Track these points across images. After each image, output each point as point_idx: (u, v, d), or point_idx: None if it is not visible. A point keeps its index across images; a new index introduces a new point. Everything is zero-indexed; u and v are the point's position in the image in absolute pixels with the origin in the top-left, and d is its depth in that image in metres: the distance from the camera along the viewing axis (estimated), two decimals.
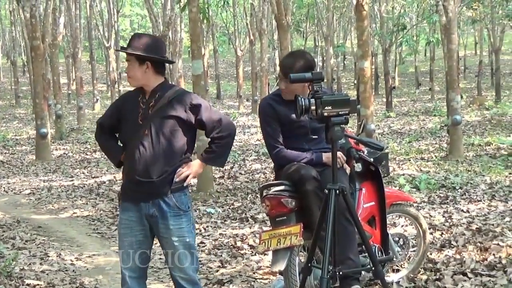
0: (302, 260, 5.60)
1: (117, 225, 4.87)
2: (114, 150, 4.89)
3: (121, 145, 4.89)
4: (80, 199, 12.26)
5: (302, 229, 5.29)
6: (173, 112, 4.63)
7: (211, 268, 7.37)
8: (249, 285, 6.63)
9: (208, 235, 8.90)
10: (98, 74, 40.30)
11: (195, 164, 4.78)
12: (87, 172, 15.81)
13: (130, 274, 4.75)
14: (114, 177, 14.22)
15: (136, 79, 4.68)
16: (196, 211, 10.29)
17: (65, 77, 42.62)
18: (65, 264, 7.90)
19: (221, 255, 7.87)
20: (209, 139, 4.84)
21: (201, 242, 8.53)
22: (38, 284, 6.97)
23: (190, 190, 11.48)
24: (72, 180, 14.68)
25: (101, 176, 14.81)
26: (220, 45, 44.49)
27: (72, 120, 30.10)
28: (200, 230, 9.16)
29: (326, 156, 5.47)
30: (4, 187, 14.37)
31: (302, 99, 4.76)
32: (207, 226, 9.39)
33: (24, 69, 53.07)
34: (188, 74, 33.35)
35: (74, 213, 11.17)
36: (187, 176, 4.70)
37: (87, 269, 7.75)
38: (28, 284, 6.95)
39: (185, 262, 4.70)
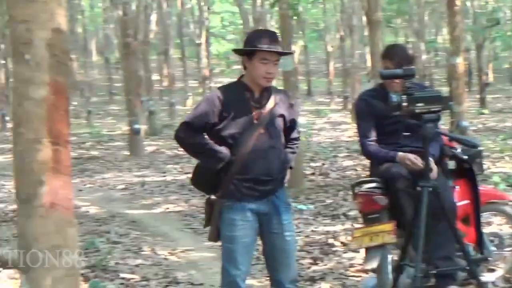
0: (395, 258, 5.49)
1: (222, 226, 4.64)
2: (220, 151, 4.58)
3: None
4: (173, 195, 12.39)
5: (395, 227, 5.19)
6: (281, 111, 4.65)
7: (302, 265, 7.30)
8: (341, 283, 6.54)
9: (300, 232, 8.83)
10: (190, 71, 40.70)
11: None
12: (180, 168, 15.97)
13: (243, 277, 4.67)
14: None
15: (273, 78, 4.66)
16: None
17: (157, 74, 43.33)
18: (158, 259, 7.98)
19: (313, 252, 7.80)
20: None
21: None
22: (132, 278, 7.06)
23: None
24: (164, 176, 14.86)
25: None
26: (310, 42, 44.31)
27: (164, 116, 30.52)
28: None
29: (400, 156, 5.33)
30: (99, 182, 14.68)
31: (394, 96, 4.69)
32: (299, 223, 9.32)
33: (117, 66, 54.17)
34: (279, 70, 33.39)
35: (167, 208, 11.29)
36: None
37: (180, 264, 7.80)
38: (123, 278, 7.04)
39: (292, 258, 4.73)
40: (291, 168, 4.97)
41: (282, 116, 4.65)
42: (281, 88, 4.96)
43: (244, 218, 4.58)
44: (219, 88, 4.88)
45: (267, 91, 4.65)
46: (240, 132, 4.57)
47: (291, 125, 4.79)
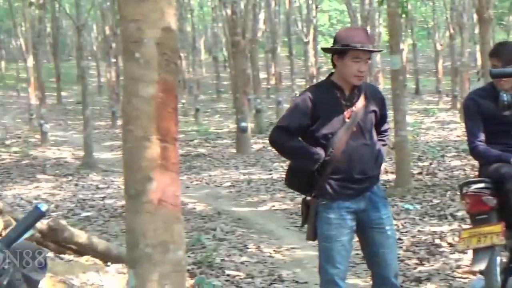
0: (504, 260, 5.33)
1: (319, 226, 4.66)
2: (315, 152, 4.59)
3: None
4: (279, 193, 12.42)
5: (504, 228, 5.03)
6: (372, 107, 4.62)
7: (408, 265, 7.20)
8: (447, 284, 6.41)
9: (406, 232, 8.71)
10: (297, 69, 40.73)
11: None
12: (286, 166, 15.94)
13: (341, 276, 4.63)
14: None
15: (365, 77, 4.64)
16: (393, 207, 10.09)
17: (265, 72, 43.55)
18: (263, 256, 8.01)
19: (419, 253, 7.67)
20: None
21: (399, 239, 8.35)
22: (237, 275, 7.11)
23: (387, 186, 11.37)
24: (270, 174, 14.92)
25: None
26: (419, 40, 43.61)
27: (271, 114, 30.65)
28: (398, 226, 8.98)
29: None
30: (205, 179, 14.88)
31: (504, 95, 4.55)
32: (405, 223, 9.19)
33: (225, 64, 54.75)
34: (387, 69, 32.96)
35: (272, 206, 11.33)
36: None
37: (285, 262, 7.81)
38: (228, 275, 7.11)
39: (393, 253, 4.67)
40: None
41: (373, 112, 4.63)
42: (370, 83, 4.91)
43: (340, 217, 4.57)
44: (309, 88, 4.90)
45: (358, 89, 4.61)
46: (333, 132, 4.54)
47: (382, 119, 4.77)
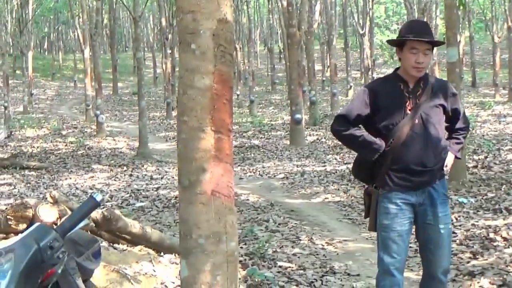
0: None
1: (378, 216, 4.65)
2: (374, 142, 4.59)
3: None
4: (332, 185, 12.38)
5: None
6: (439, 101, 4.54)
7: (461, 259, 7.11)
8: (501, 279, 6.29)
9: (460, 225, 8.59)
10: (352, 61, 40.53)
11: (451, 155, 4.69)
12: (339, 158, 15.94)
13: (397, 266, 4.61)
14: None
15: (425, 68, 4.57)
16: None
17: (320, 64, 43.42)
18: (316, 248, 7.99)
19: (473, 246, 7.56)
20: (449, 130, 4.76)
21: (453, 232, 8.24)
22: (289, 267, 7.10)
23: None
24: (324, 166, 14.88)
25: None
26: (476, 32, 42.96)
27: (326, 106, 30.57)
28: (452, 220, 8.87)
29: None
30: (259, 171, 14.90)
31: None
32: (459, 216, 9.07)
33: (280, 56, 54.72)
34: (443, 61, 32.47)
35: (325, 198, 11.30)
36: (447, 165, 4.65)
37: (337, 254, 7.78)
38: (280, 266, 7.10)
39: (446, 250, 4.60)
40: (458, 158, 4.89)
41: (440, 106, 4.54)
42: (441, 78, 4.83)
43: (398, 207, 4.56)
44: (374, 80, 4.97)
45: (424, 82, 4.57)
46: (394, 123, 4.53)
47: (453, 115, 4.68)
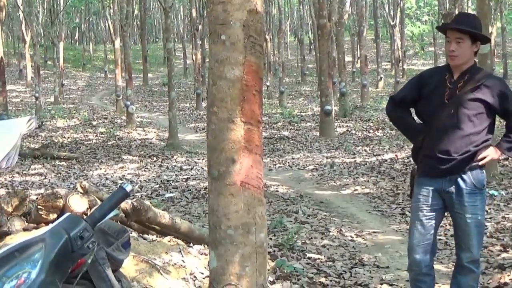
0: None
1: (411, 200, 4.87)
2: (416, 128, 4.85)
3: (420, 122, 4.86)
4: (362, 177, 12.33)
5: None
6: (481, 96, 4.54)
7: (492, 251, 7.05)
8: None
9: (490, 218, 8.52)
10: (383, 52, 40.32)
11: (493, 150, 4.67)
12: (369, 150, 15.88)
13: (420, 248, 4.77)
14: (396, 155, 14.15)
15: (463, 58, 4.57)
16: None
17: (350, 55, 43.23)
18: (345, 240, 7.96)
19: (503, 239, 7.50)
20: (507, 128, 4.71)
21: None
22: (318, 258, 7.08)
23: None
24: (354, 157, 14.82)
25: (383, 154, 14.79)
26: (508, 23, 42.44)
27: (356, 98, 30.43)
28: None
29: None
30: (288, 162, 14.89)
31: None
32: (489, 209, 8.99)
33: (311, 47, 54.63)
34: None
35: (355, 190, 11.26)
36: (484, 158, 4.61)
37: (367, 246, 7.75)
38: (309, 258, 7.09)
39: (473, 239, 4.63)
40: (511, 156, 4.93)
41: (482, 101, 4.52)
42: (492, 74, 4.83)
43: (423, 192, 4.70)
44: (430, 68, 5.07)
45: (469, 74, 4.59)
46: (432, 110, 4.63)
47: (503, 114, 4.64)
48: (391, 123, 5.33)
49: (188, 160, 16.07)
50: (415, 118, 4.94)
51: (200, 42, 32.75)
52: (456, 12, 22.86)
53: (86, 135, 21.31)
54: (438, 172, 4.62)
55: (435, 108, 4.61)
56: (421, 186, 4.74)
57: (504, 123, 4.72)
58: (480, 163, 4.59)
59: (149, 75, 46.04)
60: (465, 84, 4.55)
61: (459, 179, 4.57)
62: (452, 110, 4.53)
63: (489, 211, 8.86)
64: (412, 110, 4.91)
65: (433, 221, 4.72)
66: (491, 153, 4.62)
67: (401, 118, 4.93)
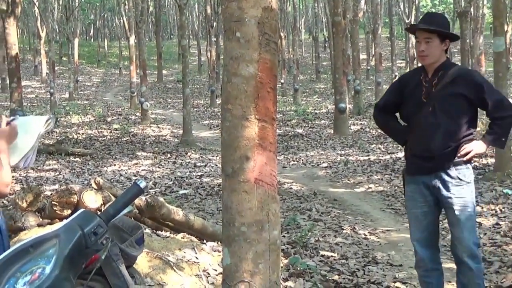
0: None
1: (405, 199, 4.98)
2: (400, 130, 4.95)
3: (404, 124, 4.92)
4: (376, 174, 12.31)
5: None
6: (457, 90, 4.58)
7: (505, 250, 7.01)
8: None
9: (504, 217, 8.48)
10: (397, 50, 40.21)
11: (477, 143, 4.66)
12: (383, 148, 15.84)
13: (420, 244, 4.85)
14: None
15: (433, 57, 4.64)
16: (492, 192, 9.88)
17: (364, 53, 43.16)
18: (358, 238, 7.95)
19: None
20: (490, 120, 4.74)
21: (496, 224, 8.17)
22: (332, 256, 7.08)
23: (487, 170, 11.04)
24: (368, 155, 14.80)
25: (397, 152, 14.75)
26: None
27: (370, 96, 30.39)
28: (496, 211, 8.77)
29: None
30: (302, 160, 14.88)
31: None
32: (503, 208, 8.95)
33: (325, 44, 54.55)
34: (489, 51, 32.00)
35: (369, 187, 11.24)
36: (468, 153, 4.60)
37: (380, 244, 7.73)
38: (322, 255, 7.08)
39: (465, 232, 4.65)
40: (500, 147, 4.99)
41: (459, 95, 4.56)
42: (465, 67, 4.89)
43: (414, 190, 4.80)
44: (406, 72, 5.10)
45: (443, 71, 4.64)
46: (412, 111, 4.72)
47: (481, 105, 4.64)
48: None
49: (202, 157, 16.09)
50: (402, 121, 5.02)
51: (215, 39, 32.78)
52: (472, 10, 22.80)
53: (101, 131, 21.38)
54: (422, 170, 4.71)
55: (415, 108, 4.69)
56: (410, 184, 4.84)
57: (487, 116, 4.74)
58: (464, 158, 4.60)
59: (164, 71, 46.14)
60: (440, 80, 4.63)
61: (444, 174, 4.63)
62: (430, 108, 4.61)
63: (503, 210, 8.83)
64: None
65: (429, 217, 4.80)
66: (475, 148, 4.62)
67: (385, 122, 5.06)
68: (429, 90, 4.63)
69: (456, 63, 5.39)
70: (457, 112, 4.58)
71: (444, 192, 4.63)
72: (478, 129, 4.80)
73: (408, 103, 4.76)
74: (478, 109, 4.68)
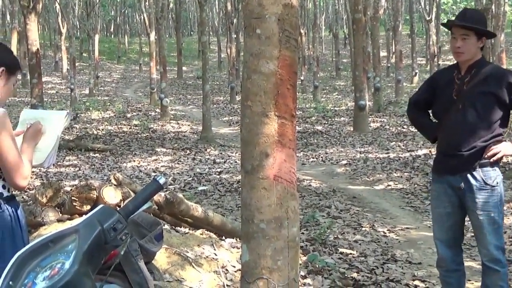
0: None
1: (430, 197, 4.90)
2: (429, 126, 4.94)
3: (435, 121, 4.89)
4: (395, 172, 12.27)
5: None
6: (489, 89, 4.52)
7: None
8: None
9: None
10: (418, 48, 40.03)
11: (506, 145, 4.59)
12: (403, 145, 15.78)
13: (443, 244, 4.82)
14: (430, 151, 14.03)
15: (469, 54, 4.58)
16: (509, 190, 9.80)
17: (385, 50, 42.99)
18: (377, 235, 7.93)
19: None
20: None
21: None
22: (350, 253, 7.07)
23: (507, 169, 10.97)
24: (387, 153, 14.74)
25: (417, 150, 14.69)
26: None
27: (390, 93, 30.27)
28: None
29: None
30: (322, 157, 14.85)
31: None
32: None
33: (345, 41, 54.40)
34: (510, 49, 31.83)
35: (388, 185, 11.21)
36: (496, 154, 4.53)
37: (399, 241, 7.71)
38: (341, 253, 7.07)
39: (488, 237, 4.59)
40: None
41: (491, 94, 4.50)
42: (499, 66, 4.81)
43: (438, 189, 4.75)
44: (439, 69, 5.07)
45: (476, 69, 4.59)
46: (443, 108, 4.68)
47: None
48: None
49: (221, 153, 16.11)
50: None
51: (235, 36, 32.80)
52: (493, 7, 22.61)
53: (120, 127, 21.46)
54: (448, 169, 4.66)
55: (445, 105, 4.65)
56: (436, 182, 4.82)
57: None
58: (491, 159, 4.53)
59: (184, 68, 46.22)
60: (472, 78, 4.57)
61: (469, 175, 4.56)
62: (460, 105, 4.55)
63: None
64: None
65: (453, 218, 4.74)
66: (503, 149, 4.54)
67: (416, 119, 5.05)
68: (461, 88, 4.59)
69: (490, 61, 5.36)
70: (486, 112, 4.52)
71: (468, 194, 4.58)
72: (507, 129, 4.74)
73: (439, 100, 4.73)
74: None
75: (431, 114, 4.97)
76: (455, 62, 4.75)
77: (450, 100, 4.61)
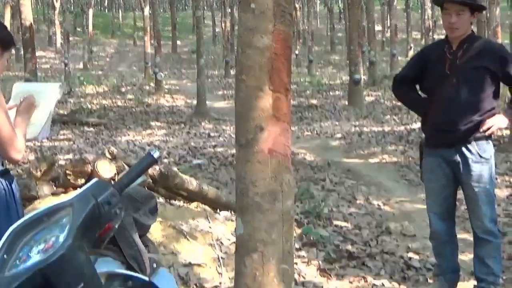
0: None
1: (423, 171, 4.96)
2: (420, 101, 4.95)
3: (424, 95, 4.92)
4: (390, 145, 12.28)
5: None
6: (482, 63, 4.55)
7: None
8: None
9: None
10: (413, 22, 39.91)
11: (499, 118, 4.63)
12: (398, 119, 15.79)
13: (436, 217, 4.87)
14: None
15: (463, 29, 4.59)
16: (506, 163, 9.86)
17: (380, 25, 42.85)
18: (372, 208, 7.97)
19: None
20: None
21: (510, 195, 8.16)
22: (345, 226, 7.10)
23: (502, 141, 10.98)
24: (382, 126, 14.76)
25: (411, 123, 14.70)
26: None
27: (385, 67, 30.22)
28: (510, 182, 8.77)
29: None
30: (316, 130, 14.86)
31: None
32: None
33: (340, 16, 54.22)
34: (506, 23, 31.69)
35: (383, 158, 11.22)
36: (490, 127, 4.57)
37: (393, 214, 7.75)
38: (335, 225, 7.11)
39: (483, 209, 4.66)
40: None
41: (484, 68, 4.52)
42: (491, 40, 4.85)
43: (432, 162, 4.79)
44: (428, 44, 5.07)
45: (468, 44, 4.60)
46: (434, 84, 4.68)
47: (505, 80, 4.62)
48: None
49: (216, 127, 16.10)
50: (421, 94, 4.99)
51: (230, 10, 32.68)
52: None
53: (115, 102, 21.41)
54: (443, 143, 4.68)
55: (437, 80, 4.65)
56: (429, 156, 4.83)
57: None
58: (486, 133, 4.57)
59: (178, 42, 46.05)
60: (465, 53, 4.58)
61: (464, 149, 4.60)
62: (454, 80, 4.56)
63: None
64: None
65: (447, 191, 4.80)
66: (497, 122, 4.58)
67: (405, 94, 5.04)
68: (453, 63, 4.59)
69: (481, 36, 5.37)
70: (480, 86, 4.55)
71: (463, 167, 4.61)
72: (501, 102, 4.75)
73: (430, 75, 4.73)
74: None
75: (419, 90, 4.98)
76: (444, 36, 4.76)
77: (443, 75, 4.61)
